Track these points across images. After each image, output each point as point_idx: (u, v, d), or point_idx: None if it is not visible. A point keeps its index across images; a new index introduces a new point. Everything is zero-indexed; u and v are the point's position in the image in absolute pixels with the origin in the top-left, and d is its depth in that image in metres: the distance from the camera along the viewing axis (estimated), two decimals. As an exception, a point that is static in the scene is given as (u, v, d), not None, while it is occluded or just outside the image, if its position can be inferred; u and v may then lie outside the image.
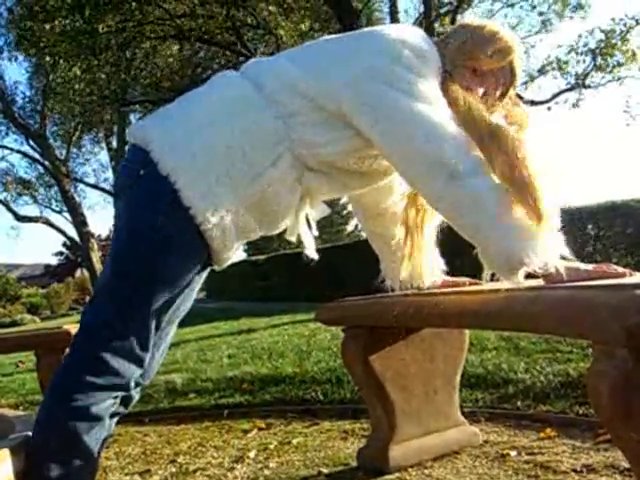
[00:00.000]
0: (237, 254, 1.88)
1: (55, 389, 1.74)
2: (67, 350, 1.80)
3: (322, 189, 1.89)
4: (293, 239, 1.99)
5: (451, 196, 1.67)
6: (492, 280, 1.86)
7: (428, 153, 1.69)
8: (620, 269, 1.63)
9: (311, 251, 2.04)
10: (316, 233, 2.03)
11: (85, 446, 1.69)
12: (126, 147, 2.13)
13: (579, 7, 14.42)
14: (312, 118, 1.78)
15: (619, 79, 14.05)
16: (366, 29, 1.98)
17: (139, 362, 1.75)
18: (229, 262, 1.87)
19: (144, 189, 1.73)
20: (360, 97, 1.74)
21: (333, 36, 2.02)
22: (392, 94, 1.71)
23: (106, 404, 1.72)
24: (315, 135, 1.78)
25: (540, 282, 1.66)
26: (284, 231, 1.97)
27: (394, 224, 2.24)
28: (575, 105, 14.59)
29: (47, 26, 10.99)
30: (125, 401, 1.79)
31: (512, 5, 14.75)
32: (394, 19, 13.08)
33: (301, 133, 1.77)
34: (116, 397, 1.75)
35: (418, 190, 1.85)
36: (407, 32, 1.86)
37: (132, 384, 1.76)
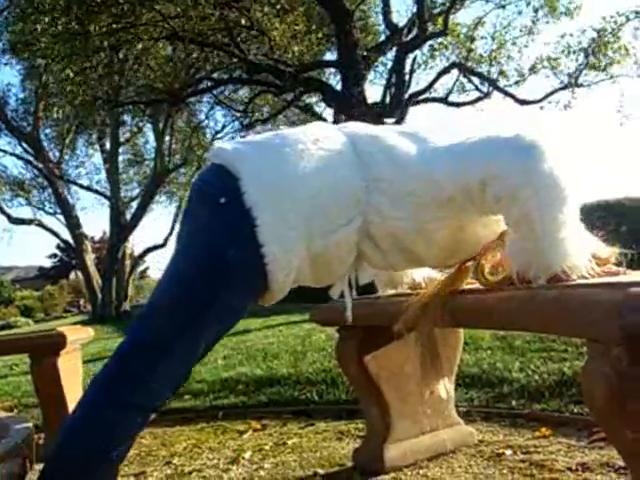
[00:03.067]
0: None
1: (91, 402, 1.71)
2: (67, 355, 1.77)
3: (372, 260, 1.90)
4: (335, 297, 2.02)
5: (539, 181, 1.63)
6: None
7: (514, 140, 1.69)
8: (614, 267, 1.64)
9: (349, 314, 2.04)
10: (355, 294, 2.03)
11: (111, 462, 1.69)
12: (203, 164, 2.08)
13: (567, 14, 14.45)
14: (397, 189, 1.77)
15: (612, 77, 14.06)
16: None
17: (176, 386, 1.76)
18: (273, 302, 1.87)
19: (223, 218, 1.72)
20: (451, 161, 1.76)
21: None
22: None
23: (139, 423, 1.71)
24: (393, 207, 1.78)
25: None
26: (328, 287, 1.99)
27: None
28: (567, 106, 14.59)
29: (39, 28, 10.96)
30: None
31: (503, 7, 14.73)
32: (387, 20, 13.07)
33: (380, 201, 1.77)
34: (148, 418, 1.73)
35: (502, 181, 1.69)
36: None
37: (164, 405, 1.77)
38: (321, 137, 1.83)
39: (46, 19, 10.86)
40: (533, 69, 14.75)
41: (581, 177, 1.80)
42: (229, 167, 1.77)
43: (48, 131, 24.36)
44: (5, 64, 16.15)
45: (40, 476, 1.67)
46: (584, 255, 1.61)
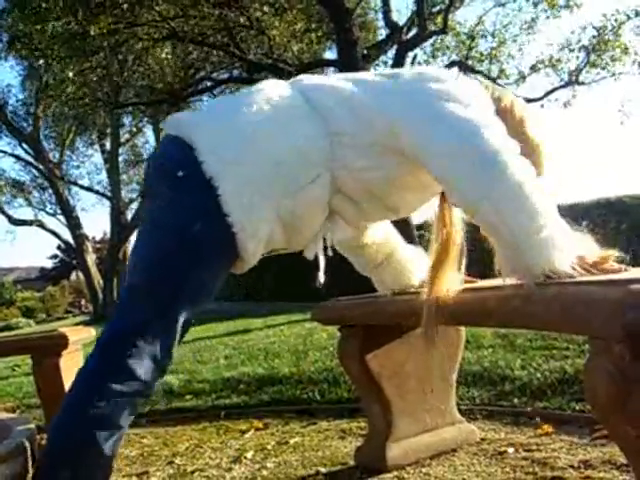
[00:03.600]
0: None
1: (77, 395, 1.70)
2: (75, 355, 1.77)
3: (345, 214, 1.88)
4: (310, 257, 1.98)
5: (496, 193, 1.62)
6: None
7: (476, 149, 1.66)
8: (616, 265, 1.63)
9: (322, 274, 2.03)
10: (331, 254, 2.01)
11: (103, 454, 1.66)
12: (160, 139, 2.06)
13: (567, 7, 14.42)
14: (359, 140, 1.76)
15: (613, 75, 14.06)
16: (422, 67, 2.00)
17: (162, 369, 1.73)
18: (246, 269, 1.85)
19: (183, 193, 1.70)
20: (414, 115, 1.73)
21: (380, 70, 2.03)
22: (441, 104, 1.71)
23: (128, 411, 1.70)
24: (358, 158, 1.77)
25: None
26: (302, 250, 1.97)
27: (377, 251, 2.28)
28: (567, 104, 14.59)
29: (39, 28, 10.96)
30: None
31: (503, 4, 14.73)
32: (387, 18, 13.07)
33: (344, 154, 1.76)
34: (137, 404, 1.73)
35: (460, 195, 1.72)
36: (463, 77, 1.89)
37: (153, 390, 1.75)
38: (274, 96, 1.80)
39: (47, 21, 10.85)
40: (534, 68, 14.75)
41: (557, 176, 1.79)
42: (184, 137, 1.74)
43: (48, 132, 24.38)
44: (1, 58, 16.04)
45: (34, 474, 1.67)
46: (568, 255, 1.58)
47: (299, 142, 1.73)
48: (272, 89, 1.85)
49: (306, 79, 1.92)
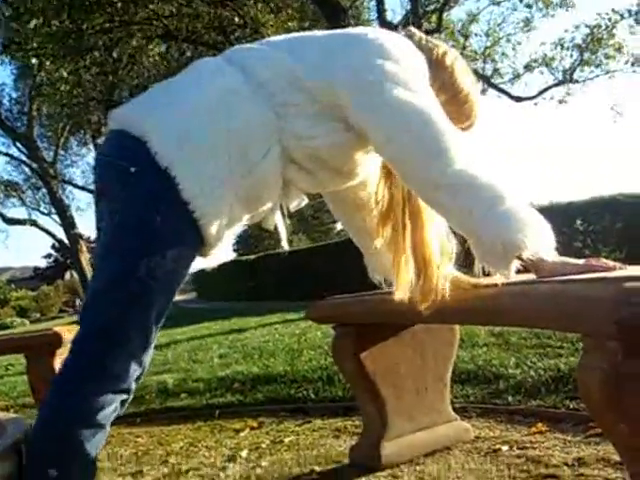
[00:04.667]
0: (226, 252, 1.86)
1: (57, 396, 1.69)
2: (65, 355, 1.75)
3: (301, 184, 1.87)
4: (270, 228, 1.97)
5: (447, 179, 1.63)
6: (483, 274, 1.85)
7: (425, 136, 1.67)
8: (610, 262, 1.63)
9: (284, 242, 2.03)
10: (289, 222, 2.01)
11: (87, 453, 1.65)
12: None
13: (563, 5, 14.46)
14: (304, 109, 1.75)
15: (607, 73, 14.11)
16: (356, 28, 1.98)
17: (140, 364, 1.71)
18: (212, 253, 1.84)
19: (139, 187, 1.67)
20: (355, 82, 1.72)
21: (320, 31, 2.01)
22: (388, 85, 1.70)
23: (110, 409, 1.68)
24: (306, 127, 1.75)
25: (530, 276, 1.66)
26: (260, 221, 1.95)
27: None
28: (562, 101, 14.63)
29: (32, 26, 10.93)
30: (123, 404, 1.77)
31: (498, 3, 14.78)
32: (381, 17, 13.08)
33: (292, 124, 1.75)
34: (119, 401, 1.71)
35: (411, 178, 1.76)
36: (396, 35, 1.89)
37: (133, 386, 1.74)
38: (213, 77, 1.78)
39: (40, 19, 10.82)
40: (528, 67, 14.80)
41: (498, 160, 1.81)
42: (131, 130, 1.71)
43: (42, 131, 24.33)
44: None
45: (19, 473, 1.66)
46: (537, 229, 1.60)
47: (245, 119, 1.72)
48: (210, 68, 1.83)
49: (240, 50, 1.91)
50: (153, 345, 1.75)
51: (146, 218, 1.66)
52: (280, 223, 1.97)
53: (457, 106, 1.90)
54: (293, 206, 1.96)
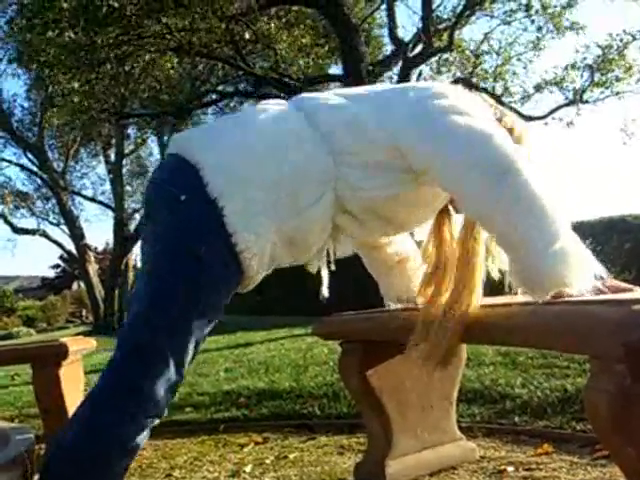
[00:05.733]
0: None
1: (92, 414, 1.69)
2: (71, 366, 1.75)
3: (350, 232, 1.89)
4: (312, 271, 1.99)
5: (509, 202, 1.60)
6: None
7: (489, 157, 1.65)
8: (621, 284, 1.63)
9: (325, 289, 2.04)
10: (334, 268, 2.01)
11: (115, 473, 1.68)
12: (164, 156, 2.03)
13: (573, 28, 14.50)
14: (364, 159, 1.75)
15: (618, 94, 14.10)
16: (421, 82, 2.00)
17: (175, 389, 1.74)
18: (251, 287, 1.86)
19: (187, 215, 1.69)
20: (416, 121, 1.74)
21: (384, 84, 2.02)
22: (448, 115, 1.70)
23: (143, 434, 1.70)
24: (364, 178, 1.76)
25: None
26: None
27: (394, 252, 2.27)
28: (570, 124, 14.61)
29: (46, 38, 11.01)
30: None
31: (509, 23, 14.79)
32: (393, 34, 13.13)
33: (349, 173, 1.75)
34: (150, 425, 1.72)
35: (472, 201, 1.70)
36: (454, 86, 1.90)
37: (165, 411, 1.75)
38: (278, 116, 1.80)
39: (54, 31, 10.90)
40: (538, 88, 14.81)
41: (568, 191, 1.79)
42: (187, 156, 1.73)
43: (53, 142, 24.45)
44: (12, 75, 16.12)
45: None
46: (582, 273, 1.57)
47: (302, 162, 1.73)
48: (275, 109, 1.85)
49: (307, 98, 1.92)
50: (185, 372, 1.77)
51: (191, 246, 1.68)
52: (324, 268, 1.98)
53: None
54: (340, 253, 1.97)
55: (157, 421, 1.73)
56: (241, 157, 1.73)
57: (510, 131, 1.86)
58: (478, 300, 1.82)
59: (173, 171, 1.79)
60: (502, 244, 1.68)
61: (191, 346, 1.72)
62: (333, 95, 1.90)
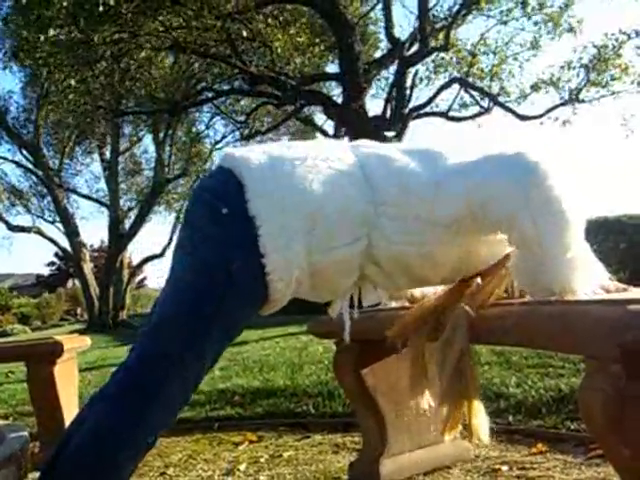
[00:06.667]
0: None
1: (108, 420, 1.68)
2: (65, 364, 1.75)
3: (376, 282, 1.90)
4: (332, 315, 2.01)
5: (535, 205, 1.63)
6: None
7: (516, 162, 1.70)
8: (620, 285, 1.63)
9: (347, 335, 2.04)
10: (356, 316, 2.02)
11: (122, 478, 1.69)
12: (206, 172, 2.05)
13: (570, 30, 14.51)
14: (404, 212, 1.77)
15: (613, 93, 14.12)
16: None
17: (188, 399, 1.76)
18: (270, 312, 1.86)
19: (226, 228, 1.71)
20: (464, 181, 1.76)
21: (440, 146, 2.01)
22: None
23: (152, 438, 1.71)
24: (399, 231, 1.77)
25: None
26: (327, 303, 1.99)
27: None
28: (566, 122, 14.61)
29: (42, 36, 10.98)
30: None
31: (505, 23, 14.79)
32: (389, 33, 13.13)
33: (385, 225, 1.76)
34: (162, 429, 1.74)
35: (499, 205, 1.71)
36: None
37: (175, 420, 1.77)
38: (332, 156, 1.82)
39: (51, 29, 10.88)
40: (535, 87, 14.81)
41: (584, 197, 1.79)
42: (235, 171, 1.76)
43: (48, 139, 24.39)
44: (4, 68, 16.03)
45: None
46: (588, 280, 1.60)
47: (344, 202, 1.75)
48: (332, 148, 1.88)
49: (364, 145, 1.94)
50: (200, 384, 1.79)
51: (225, 260, 1.70)
52: (346, 313, 1.99)
53: None
54: (367, 301, 1.98)
55: (167, 428, 1.76)
56: (286, 184, 1.74)
57: None
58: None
59: (219, 184, 1.82)
60: (519, 241, 1.68)
61: (209, 358, 1.74)
62: (389, 147, 1.93)
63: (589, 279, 1.60)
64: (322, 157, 1.80)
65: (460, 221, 1.75)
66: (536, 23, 14.63)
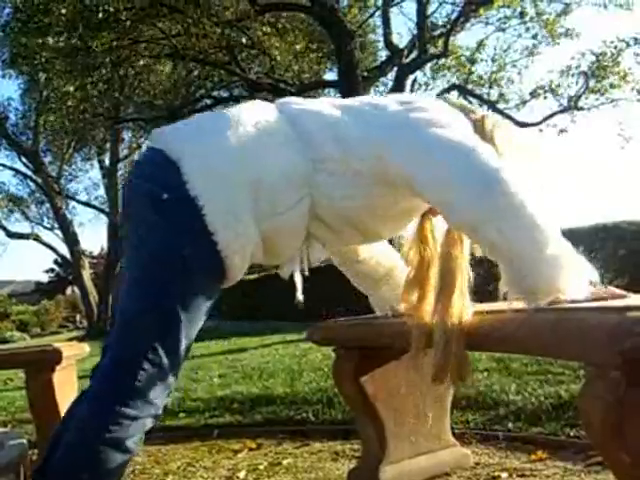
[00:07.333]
0: None
1: (89, 420, 1.69)
2: (65, 371, 1.75)
3: (323, 239, 1.89)
4: (285, 277, 1.99)
5: (495, 213, 1.60)
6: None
7: (469, 170, 1.64)
8: (618, 291, 1.63)
9: (299, 294, 2.03)
10: (307, 273, 2.00)
11: (113, 478, 1.68)
12: (141, 152, 2.02)
13: (567, 35, 14.55)
14: (344, 167, 1.76)
15: (612, 101, 14.15)
16: (402, 94, 2.00)
17: (169, 389, 1.75)
18: (232, 284, 1.85)
19: (169, 215, 1.69)
20: (394, 135, 1.74)
21: (367, 96, 2.03)
22: (426, 129, 1.71)
23: (139, 436, 1.71)
24: (342, 186, 1.76)
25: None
26: (278, 266, 1.97)
27: (378, 264, 2.26)
28: (563, 131, 14.63)
29: (41, 42, 11.01)
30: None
31: (503, 30, 14.83)
32: (388, 40, 13.16)
33: (327, 181, 1.75)
34: (147, 427, 1.73)
35: (457, 213, 1.69)
36: (435, 99, 1.94)
37: (161, 411, 1.75)
38: (261, 119, 1.79)
39: (49, 36, 10.90)
40: (534, 94, 14.84)
41: (550, 195, 1.78)
42: (167, 151, 1.73)
43: (47, 146, 24.42)
44: (3, 75, 16.04)
45: None
46: (575, 278, 1.57)
47: (283, 166, 1.73)
48: (260, 111, 1.84)
49: (294, 103, 1.92)
50: (179, 373, 1.78)
51: (176, 247, 1.68)
52: (297, 274, 1.97)
53: None
54: (312, 260, 1.96)
55: (155, 421, 1.74)
56: (222, 157, 1.72)
57: (480, 125, 1.89)
58: (468, 303, 1.81)
59: (154, 168, 1.78)
60: (494, 255, 1.66)
61: (182, 346, 1.72)
62: (319, 102, 1.90)
63: (576, 277, 1.56)
64: (252, 122, 1.77)
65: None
66: (535, 36, 14.68)
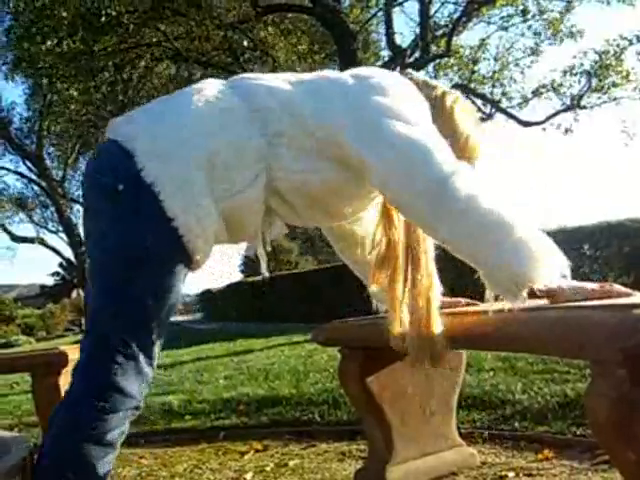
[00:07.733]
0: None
1: (68, 417, 1.69)
2: (70, 378, 1.75)
3: (282, 215, 1.88)
4: (250, 254, 1.98)
5: (453, 212, 1.60)
6: (496, 300, 1.82)
7: (427, 167, 1.64)
8: (623, 288, 1.62)
9: (264, 269, 2.02)
10: (269, 249, 1.98)
11: (97, 473, 1.67)
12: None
13: (570, 35, 14.55)
14: (299, 142, 1.75)
15: (615, 99, 14.13)
16: (360, 68, 1.97)
17: (147, 379, 1.73)
18: (201, 267, 1.84)
19: (128, 206, 1.68)
20: (353, 119, 1.72)
21: (324, 71, 2.01)
22: (386, 120, 1.69)
23: (121, 429, 1.70)
24: (298, 160, 1.75)
25: (544, 301, 1.65)
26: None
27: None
28: (569, 130, 14.61)
29: (44, 47, 11.03)
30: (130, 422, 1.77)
31: (506, 29, 14.83)
32: (390, 41, 13.15)
33: (283, 155, 1.74)
34: (129, 420, 1.72)
35: (413, 211, 1.72)
36: (395, 74, 1.91)
37: (142, 403, 1.75)
38: (212, 97, 1.77)
39: (52, 40, 10.91)
40: (536, 93, 14.83)
41: (506, 190, 1.78)
42: (124, 143, 1.71)
43: (52, 150, 24.47)
44: (6, 79, 16.07)
45: None
46: (548, 269, 1.56)
47: (235, 142, 1.72)
48: (211, 89, 1.82)
49: (247, 78, 1.90)
50: (156, 362, 1.77)
51: (138, 239, 1.67)
52: (260, 250, 1.95)
53: (458, 146, 1.85)
54: (273, 235, 1.95)
55: (136, 413, 1.73)
56: (174, 139, 1.71)
57: (441, 102, 1.91)
58: (436, 282, 1.84)
59: (109, 159, 1.76)
60: (457, 255, 1.67)
61: (155, 335, 1.71)
62: (274, 77, 1.88)
63: (544, 267, 1.55)
64: (202, 101, 1.76)
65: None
66: (536, 33, 14.68)
